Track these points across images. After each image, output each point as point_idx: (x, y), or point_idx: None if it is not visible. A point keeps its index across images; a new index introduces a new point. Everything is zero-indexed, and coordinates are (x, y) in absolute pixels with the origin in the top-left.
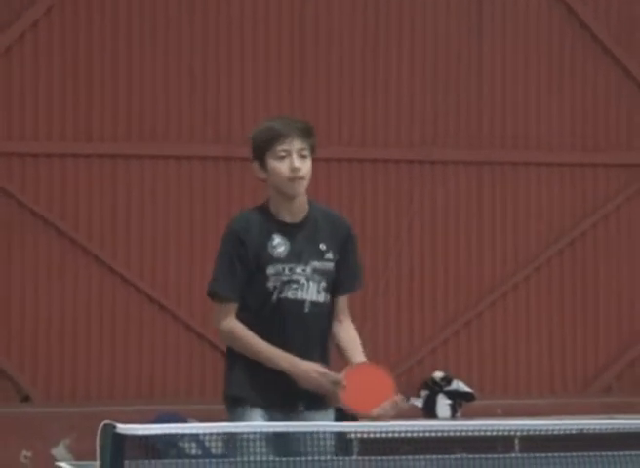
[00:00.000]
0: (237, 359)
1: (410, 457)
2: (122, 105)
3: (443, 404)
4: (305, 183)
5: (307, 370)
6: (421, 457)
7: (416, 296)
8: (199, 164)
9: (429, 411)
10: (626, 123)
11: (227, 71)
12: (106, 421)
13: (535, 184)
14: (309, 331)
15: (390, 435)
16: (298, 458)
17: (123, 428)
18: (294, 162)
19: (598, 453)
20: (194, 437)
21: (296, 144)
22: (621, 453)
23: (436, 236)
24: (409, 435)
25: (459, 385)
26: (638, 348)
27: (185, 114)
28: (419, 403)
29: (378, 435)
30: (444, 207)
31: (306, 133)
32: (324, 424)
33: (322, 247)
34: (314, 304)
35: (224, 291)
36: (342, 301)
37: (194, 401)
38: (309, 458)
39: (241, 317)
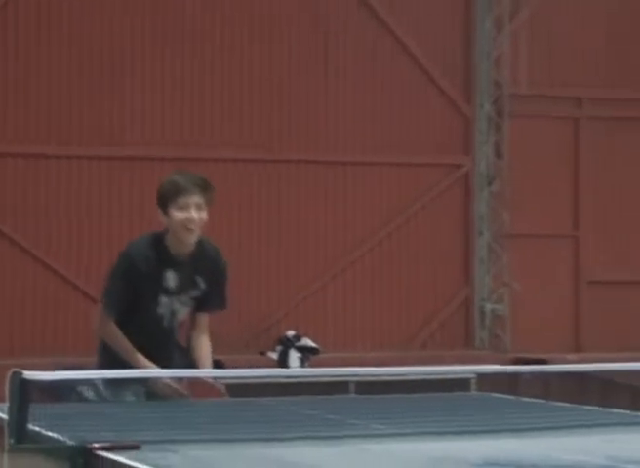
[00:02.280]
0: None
1: (268, 399)
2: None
3: (294, 357)
4: (197, 233)
5: (161, 382)
6: (278, 399)
7: (273, 269)
8: (106, 164)
9: (283, 363)
10: (438, 129)
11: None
12: (14, 369)
13: (368, 180)
14: (180, 341)
15: (253, 381)
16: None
17: (29, 375)
18: (191, 214)
19: (415, 395)
20: (90, 383)
21: (194, 198)
22: (432, 395)
23: (289, 223)
24: (268, 380)
25: (307, 341)
26: (447, 311)
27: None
28: (274, 356)
29: (243, 381)
30: (298, 198)
31: (204, 188)
32: (191, 372)
33: (198, 279)
34: (183, 322)
35: (111, 307)
36: (204, 318)
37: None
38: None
39: (129, 327)
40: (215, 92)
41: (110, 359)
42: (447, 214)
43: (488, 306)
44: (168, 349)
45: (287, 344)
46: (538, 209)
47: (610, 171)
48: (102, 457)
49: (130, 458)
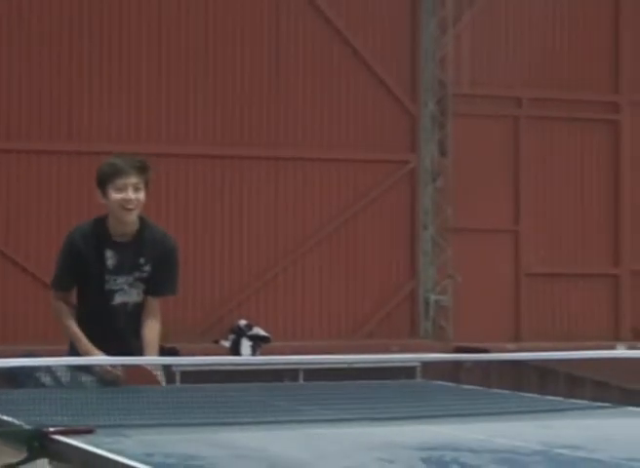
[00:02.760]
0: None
1: (221, 385)
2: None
3: (246, 345)
4: (135, 212)
5: (93, 354)
6: (229, 385)
7: (227, 260)
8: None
9: (235, 351)
10: (386, 127)
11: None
12: None
13: (319, 175)
14: (132, 324)
15: (206, 368)
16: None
17: None
18: (128, 194)
19: (362, 382)
20: (48, 369)
21: (132, 179)
22: (378, 382)
23: (242, 216)
24: (220, 368)
25: (258, 331)
26: (393, 302)
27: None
28: (227, 344)
29: (196, 368)
30: (250, 192)
31: (142, 170)
32: (128, 359)
33: (142, 261)
34: (135, 304)
35: (57, 285)
36: (153, 302)
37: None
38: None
39: (81, 308)
40: (170, 91)
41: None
42: (393, 209)
43: (432, 297)
44: (119, 328)
45: (239, 333)
46: (480, 204)
47: (548, 168)
48: (58, 441)
49: (84, 442)
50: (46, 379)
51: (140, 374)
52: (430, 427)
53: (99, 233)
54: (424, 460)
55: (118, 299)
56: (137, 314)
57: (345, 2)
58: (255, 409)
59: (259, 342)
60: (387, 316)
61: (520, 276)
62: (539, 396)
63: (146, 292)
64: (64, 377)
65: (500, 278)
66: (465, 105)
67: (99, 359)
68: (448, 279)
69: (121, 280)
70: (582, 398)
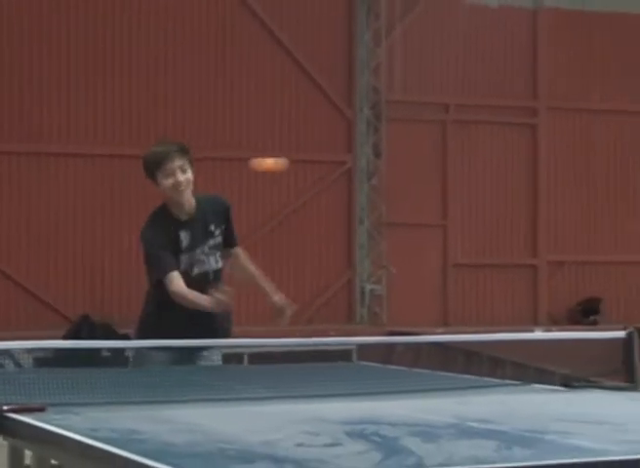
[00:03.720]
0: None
1: (166, 367)
2: None
3: None
4: (188, 191)
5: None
6: (176, 367)
7: None
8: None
9: None
10: (324, 131)
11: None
12: None
13: (262, 174)
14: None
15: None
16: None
17: None
18: (177, 177)
19: (301, 365)
20: (7, 353)
21: (176, 162)
22: (316, 364)
23: None
24: None
25: None
26: (331, 291)
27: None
28: None
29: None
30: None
31: (183, 152)
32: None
33: (211, 228)
34: (215, 271)
35: (167, 271)
36: (237, 251)
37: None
38: None
39: (158, 296)
40: (122, 94)
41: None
42: (332, 205)
43: (367, 286)
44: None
45: None
46: (411, 201)
47: (473, 168)
48: (11, 418)
49: (35, 419)
50: (5, 362)
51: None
52: (357, 404)
53: (167, 220)
54: (347, 433)
55: (196, 270)
56: (218, 279)
57: (287, 17)
58: (197, 388)
59: None
60: (326, 304)
61: (448, 267)
62: (456, 375)
63: (228, 245)
64: (27, 359)
65: (430, 268)
66: (398, 111)
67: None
68: (382, 270)
69: (197, 253)
70: (503, 378)
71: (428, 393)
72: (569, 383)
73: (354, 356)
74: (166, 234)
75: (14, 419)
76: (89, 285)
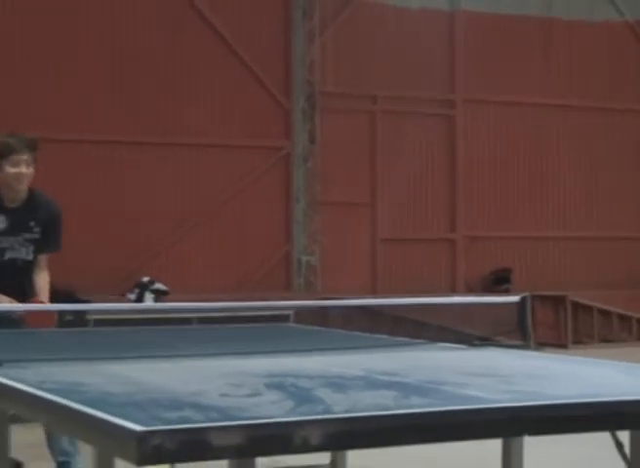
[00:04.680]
0: None
1: (114, 328)
2: None
3: (148, 297)
4: (26, 183)
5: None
6: (122, 328)
7: (134, 229)
8: None
9: (139, 303)
10: (265, 119)
11: None
12: None
13: (209, 159)
14: (21, 277)
15: (115, 317)
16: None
17: None
18: (21, 169)
19: (239, 326)
20: None
21: (24, 156)
22: (251, 325)
23: (147, 192)
24: (127, 317)
25: (159, 285)
26: (272, 263)
27: None
28: (132, 297)
29: (105, 316)
30: (151, 172)
31: (32, 148)
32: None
33: (31, 224)
34: (24, 261)
35: None
36: (42, 259)
37: None
38: None
39: None
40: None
41: None
42: (272, 186)
43: (304, 258)
44: (12, 280)
45: (143, 287)
46: (343, 182)
47: (398, 153)
48: None
49: None
50: None
51: (41, 316)
52: (280, 360)
53: None
54: (267, 385)
55: (7, 255)
56: (26, 269)
57: (231, 18)
58: (140, 346)
59: (159, 295)
60: (267, 274)
61: (376, 241)
62: (372, 335)
63: (36, 251)
64: None
65: (360, 243)
66: (330, 102)
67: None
68: (316, 243)
69: (11, 239)
70: (423, 338)
71: (346, 351)
72: (471, 342)
73: (291, 320)
74: None
75: None
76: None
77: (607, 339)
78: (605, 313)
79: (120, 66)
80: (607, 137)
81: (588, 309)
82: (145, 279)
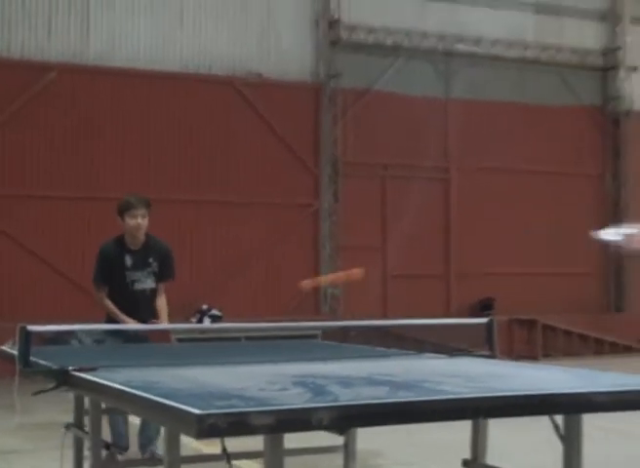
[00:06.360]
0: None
1: (186, 344)
2: None
3: (207, 321)
4: (142, 231)
5: (128, 321)
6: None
7: (196, 267)
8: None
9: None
10: (298, 183)
11: None
12: (21, 324)
13: (253, 214)
14: (148, 303)
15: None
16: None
17: (30, 327)
18: (138, 221)
19: (277, 342)
20: (73, 334)
21: (140, 211)
22: (289, 342)
23: (206, 244)
24: (189, 336)
25: (215, 311)
26: (303, 295)
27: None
28: (194, 320)
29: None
30: (206, 226)
31: (146, 204)
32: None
33: (150, 260)
34: (151, 290)
35: (98, 284)
36: (161, 286)
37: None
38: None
39: (113, 295)
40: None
41: (109, 318)
42: (304, 235)
43: (329, 291)
44: (141, 305)
45: (202, 313)
46: (360, 231)
47: (403, 209)
48: (75, 376)
49: (90, 375)
50: (73, 341)
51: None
52: (305, 365)
53: (119, 245)
54: (293, 383)
55: (137, 286)
56: (151, 296)
57: (271, 104)
58: (202, 356)
59: (215, 319)
60: (300, 304)
61: (387, 277)
62: (380, 349)
63: (157, 281)
64: (90, 339)
65: (374, 278)
66: (350, 169)
67: (132, 326)
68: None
69: (138, 274)
70: (421, 351)
71: (356, 359)
72: (451, 353)
73: (318, 338)
74: (115, 254)
75: (76, 376)
76: None
77: (569, 353)
78: (567, 333)
79: (188, 141)
80: (568, 194)
81: (555, 330)
82: (204, 306)
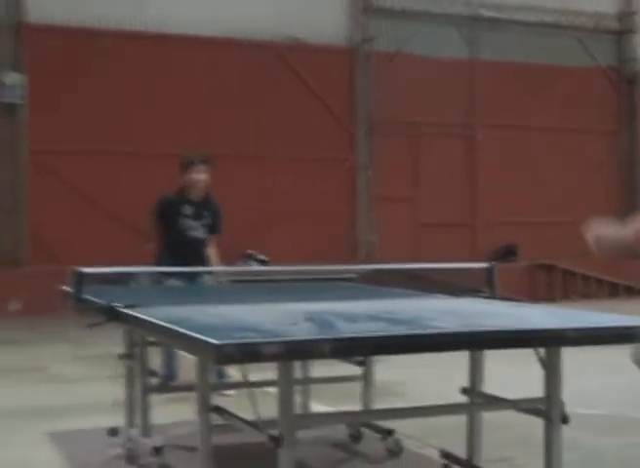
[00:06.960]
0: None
1: (226, 285)
2: None
3: (254, 264)
4: (203, 185)
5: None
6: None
7: (244, 217)
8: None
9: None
10: (338, 140)
11: None
12: (74, 267)
13: (296, 169)
14: (200, 249)
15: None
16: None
17: (82, 269)
18: (200, 176)
19: (310, 284)
20: (132, 275)
21: (202, 167)
22: (322, 284)
23: (254, 193)
24: (238, 277)
25: (261, 256)
26: (342, 242)
27: None
28: (242, 263)
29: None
30: (246, 182)
31: (208, 161)
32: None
33: (205, 213)
34: (203, 239)
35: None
36: (212, 237)
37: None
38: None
39: (170, 238)
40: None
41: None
42: (342, 187)
43: (365, 237)
44: (195, 250)
45: (250, 257)
46: (393, 183)
47: (433, 163)
48: (118, 311)
49: (132, 311)
50: (132, 283)
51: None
52: (321, 304)
53: (180, 195)
54: (304, 318)
55: (192, 233)
56: (203, 244)
57: (309, 64)
58: (237, 297)
59: (262, 263)
60: (339, 250)
61: (418, 225)
62: (402, 290)
63: (209, 232)
64: (152, 280)
65: (406, 226)
66: (383, 127)
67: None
68: (374, 226)
69: (194, 223)
70: (438, 291)
71: (371, 299)
72: (456, 293)
73: (355, 282)
74: (176, 202)
75: (120, 311)
76: None
77: (587, 296)
78: (585, 277)
79: (235, 101)
80: (586, 150)
81: (574, 274)
82: (251, 251)
